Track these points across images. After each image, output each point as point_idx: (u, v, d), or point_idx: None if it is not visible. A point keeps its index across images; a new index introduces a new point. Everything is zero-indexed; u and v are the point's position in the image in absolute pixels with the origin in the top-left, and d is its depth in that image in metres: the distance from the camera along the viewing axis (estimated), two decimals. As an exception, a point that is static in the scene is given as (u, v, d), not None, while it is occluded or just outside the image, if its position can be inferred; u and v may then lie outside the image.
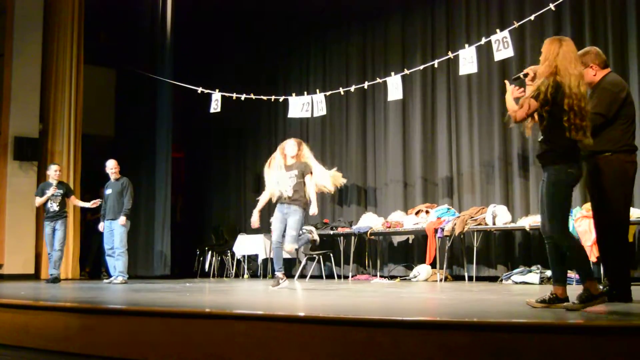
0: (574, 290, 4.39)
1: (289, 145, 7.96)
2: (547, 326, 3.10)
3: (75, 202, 10.65)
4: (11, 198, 11.68)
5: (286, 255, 11.63)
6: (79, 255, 12.37)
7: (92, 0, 12.78)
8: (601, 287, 4.93)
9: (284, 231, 7.80)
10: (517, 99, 4.42)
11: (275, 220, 7.93)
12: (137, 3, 13.53)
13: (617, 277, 4.88)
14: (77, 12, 12.58)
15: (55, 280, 9.93)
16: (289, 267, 12.36)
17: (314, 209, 7.81)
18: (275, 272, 7.88)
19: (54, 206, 10.18)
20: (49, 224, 10.18)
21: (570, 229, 8.36)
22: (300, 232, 8.02)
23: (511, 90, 4.44)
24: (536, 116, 4.34)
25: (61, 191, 10.25)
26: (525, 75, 4.52)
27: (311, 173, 7.87)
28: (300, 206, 7.79)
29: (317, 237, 8.56)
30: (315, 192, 7.85)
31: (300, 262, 11.73)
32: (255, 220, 8.13)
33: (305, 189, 7.83)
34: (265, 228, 12.86)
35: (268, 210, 13.16)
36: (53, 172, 10.31)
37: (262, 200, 8.19)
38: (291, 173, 7.86)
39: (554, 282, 4.38)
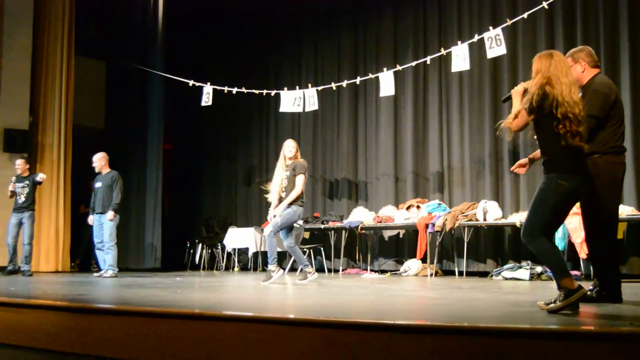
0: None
1: (287, 146, 8.10)
2: (540, 332, 3.11)
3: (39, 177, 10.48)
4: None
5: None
6: (70, 247, 12.34)
7: (83, -9, 12.71)
8: (591, 286, 4.97)
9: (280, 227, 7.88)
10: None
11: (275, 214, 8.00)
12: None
13: (607, 277, 4.90)
14: (68, 4, 12.51)
15: (12, 272, 10.13)
16: (280, 260, 12.39)
17: (280, 207, 7.79)
18: (268, 265, 7.91)
19: (21, 198, 10.30)
20: (15, 215, 10.34)
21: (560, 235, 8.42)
22: (296, 225, 7.99)
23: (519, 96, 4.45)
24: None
25: (22, 184, 10.32)
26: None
27: (303, 173, 7.92)
28: (294, 203, 7.85)
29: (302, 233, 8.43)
30: (296, 193, 7.84)
31: (290, 256, 11.72)
32: (270, 218, 8.15)
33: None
34: (255, 221, 12.92)
35: (259, 203, 13.25)
36: (16, 166, 10.54)
37: (273, 199, 8.10)
38: (286, 174, 7.99)
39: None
